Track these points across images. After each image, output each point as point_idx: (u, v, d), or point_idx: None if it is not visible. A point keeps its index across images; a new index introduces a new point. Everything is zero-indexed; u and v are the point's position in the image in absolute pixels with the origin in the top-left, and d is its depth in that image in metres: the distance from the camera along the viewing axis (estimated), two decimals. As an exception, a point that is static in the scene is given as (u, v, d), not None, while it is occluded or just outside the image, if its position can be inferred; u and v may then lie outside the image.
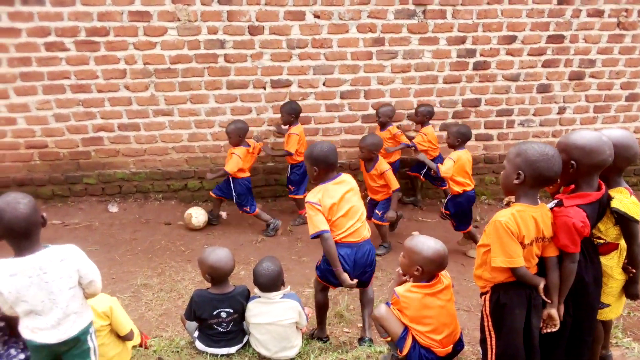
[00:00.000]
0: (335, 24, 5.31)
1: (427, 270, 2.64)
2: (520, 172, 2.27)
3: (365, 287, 3.40)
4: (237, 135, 4.97)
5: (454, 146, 4.78)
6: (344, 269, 3.08)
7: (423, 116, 5.46)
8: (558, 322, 2.40)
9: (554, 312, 2.38)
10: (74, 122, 5.32)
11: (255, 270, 2.88)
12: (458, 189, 4.73)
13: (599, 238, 2.50)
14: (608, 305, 2.61)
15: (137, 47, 5.13)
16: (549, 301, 2.37)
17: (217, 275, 2.81)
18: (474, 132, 5.89)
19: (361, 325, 3.64)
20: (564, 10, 5.58)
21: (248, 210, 5.14)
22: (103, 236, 5.01)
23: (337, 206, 3.08)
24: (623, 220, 2.41)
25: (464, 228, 4.85)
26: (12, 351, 2.74)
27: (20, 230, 2.10)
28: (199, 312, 2.83)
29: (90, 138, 5.40)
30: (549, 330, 2.42)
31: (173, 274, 4.41)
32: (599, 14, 5.60)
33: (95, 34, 5.03)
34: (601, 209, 2.40)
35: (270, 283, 2.85)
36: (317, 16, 5.26)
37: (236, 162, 4.98)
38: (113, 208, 5.52)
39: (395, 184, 4.68)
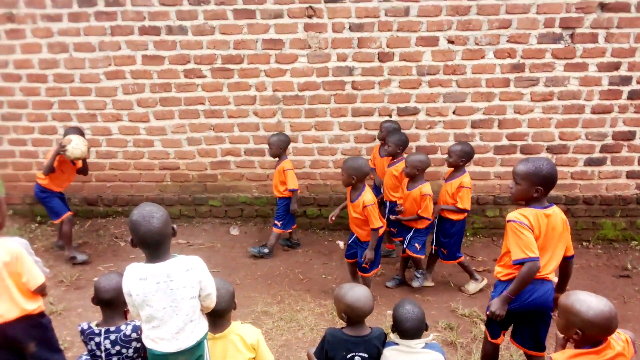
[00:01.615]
0: (471, 49, 5.01)
1: (588, 335, 2.19)
2: None
3: (537, 350, 2.97)
4: (279, 147, 4.87)
5: (457, 166, 4.29)
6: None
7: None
8: None
9: None
10: (205, 146, 5.51)
11: (397, 314, 2.61)
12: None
13: None
14: None
15: (268, 74, 5.22)
16: None
17: (354, 316, 2.59)
18: (626, 168, 5.24)
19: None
20: None
21: (279, 225, 5.00)
22: (225, 259, 5.06)
23: (540, 241, 2.76)
24: None
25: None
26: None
27: (153, 242, 2.23)
28: (332, 353, 2.61)
29: (218, 162, 5.55)
30: None
31: (292, 303, 4.28)
32: None
33: (230, 62, 5.20)
34: None
35: (415, 329, 2.57)
36: (451, 41, 5.00)
37: (294, 176, 4.92)
38: (234, 231, 5.59)
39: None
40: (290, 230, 5.19)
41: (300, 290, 4.52)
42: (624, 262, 4.93)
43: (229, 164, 5.56)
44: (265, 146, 5.41)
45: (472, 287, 4.47)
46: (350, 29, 5.07)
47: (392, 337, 2.65)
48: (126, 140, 5.54)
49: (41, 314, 2.76)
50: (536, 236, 2.73)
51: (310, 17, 5.05)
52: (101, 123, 5.49)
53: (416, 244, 4.39)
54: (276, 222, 5.02)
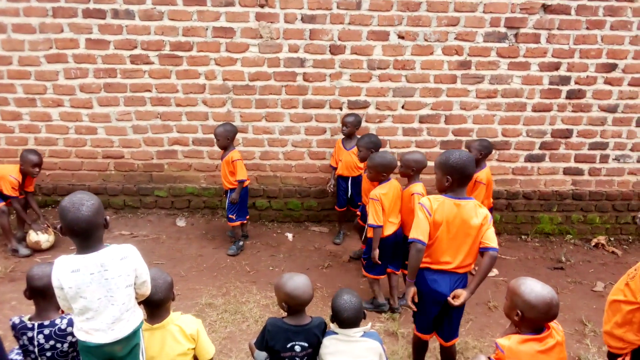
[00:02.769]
0: (420, 45, 5.09)
1: (527, 318, 2.29)
2: None
3: (445, 341, 3.07)
4: (226, 138, 4.74)
5: (477, 160, 4.19)
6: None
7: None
8: None
9: None
10: (151, 135, 5.37)
11: (335, 304, 2.63)
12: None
13: None
14: None
15: (218, 62, 5.13)
16: None
17: (294, 305, 2.59)
18: (563, 165, 5.48)
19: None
20: (672, 38, 5.10)
21: (234, 218, 4.92)
22: (170, 250, 4.96)
23: (443, 229, 2.81)
24: None
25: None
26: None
27: (81, 231, 2.15)
28: (272, 342, 2.61)
29: (164, 151, 5.42)
30: None
31: (238, 295, 4.25)
32: None
33: (179, 49, 5.07)
34: None
35: (353, 319, 2.59)
36: (401, 37, 5.07)
37: (243, 167, 4.82)
38: (181, 222, 5.49)
39: None
40: (245, 222, 5.14)
41: (246, 282, 4.48)
42: (558, 255, 5.16)
43: (176, 154, 5.43)
44: (215, 136, 5.34)
45: None
46: (303, 20, 5.05)
47: (332, 326, 2.67)
48: (67, 126, 5.31)
49: None
50: (437, 222, 2.81)
51: (262, 6, 4.99)
52: (41, 108, 5.24)
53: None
54: (230, 216, 4.92)
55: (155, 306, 2.49)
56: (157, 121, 5.32)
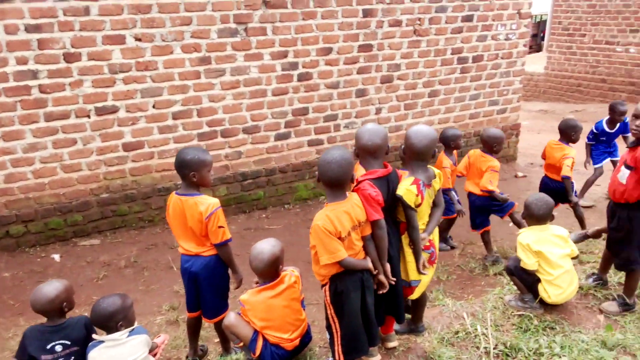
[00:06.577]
0: (159, 46, 5.26)
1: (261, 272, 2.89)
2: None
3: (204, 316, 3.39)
4: None
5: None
6: None
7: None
8: (387, 284, 2.75)
9: (382, 277, 2.74)
10: None
11: (92, 308, 2.72)
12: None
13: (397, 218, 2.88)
14: (418, 282, 2.92)
15: None
16: (375, 272, 2.71)
17: (37, 311, 2.62)
18: (306, 138, 6.30)
19: (217, 340, 3.67)
20: (369, 22, 6.23)
21: None
22: None
23: (173, 221, 3.14)
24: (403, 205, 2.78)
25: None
26: None
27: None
28: (30, 348, 2.57)
29: None
30: (382, 292, 2.76)
31: (3, 332, 3.93)
32: (398, 23, 6.38)
33: None
34: (390, 187, 2.77)
35: (105, 320, 2.64)
36: (138, 39, 5.16)
37: None
38: None
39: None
40: None
41: (11, 316, 4.17)
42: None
43: None
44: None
45: None
46: (27, 30, 4.76)
47: (96, 337, 2.69)
48: None
49: None
50: (169, 214, 3.14)
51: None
52: None
53: None
54: None
55: None
56: None
